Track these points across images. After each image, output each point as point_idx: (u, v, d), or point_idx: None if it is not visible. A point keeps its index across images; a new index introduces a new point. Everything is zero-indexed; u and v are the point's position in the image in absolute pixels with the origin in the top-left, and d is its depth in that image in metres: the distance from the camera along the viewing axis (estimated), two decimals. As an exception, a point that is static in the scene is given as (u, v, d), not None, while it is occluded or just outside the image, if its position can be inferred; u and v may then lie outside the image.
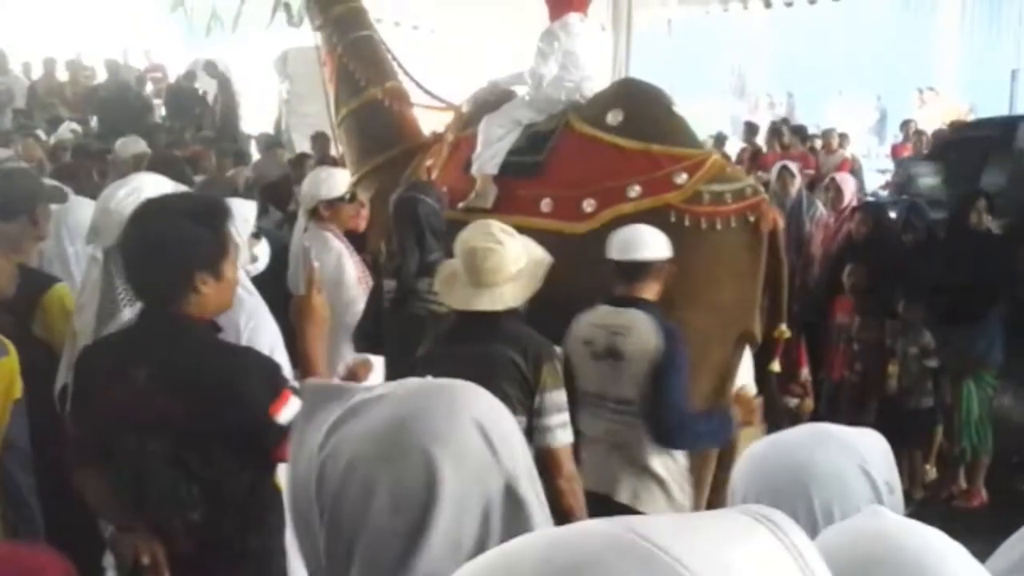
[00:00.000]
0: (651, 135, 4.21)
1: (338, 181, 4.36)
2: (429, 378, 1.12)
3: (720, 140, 10.47)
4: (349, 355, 3.84)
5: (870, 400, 5.50)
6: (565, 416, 2.82)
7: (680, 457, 3.37)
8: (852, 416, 5.17)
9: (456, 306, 2.96)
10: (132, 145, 6.71)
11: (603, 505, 3.14)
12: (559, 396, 2.82)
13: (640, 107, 4.36)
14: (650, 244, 3.42)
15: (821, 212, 6.40)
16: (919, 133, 10.81)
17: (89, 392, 2.24)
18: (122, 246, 2.29)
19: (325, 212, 4.28)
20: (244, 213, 3.04)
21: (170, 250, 2.19)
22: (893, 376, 5.38)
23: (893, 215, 6.67)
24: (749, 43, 14.45)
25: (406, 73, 5.69)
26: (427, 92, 5.67)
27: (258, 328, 2.78)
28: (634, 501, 3.27)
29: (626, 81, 4.80)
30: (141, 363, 2.15)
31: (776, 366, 4.15)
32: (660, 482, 3.30)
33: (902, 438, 5.50)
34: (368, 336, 3.86)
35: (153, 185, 2.78)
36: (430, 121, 5.61)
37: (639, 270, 3.39)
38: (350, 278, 4.15)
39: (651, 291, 3.41)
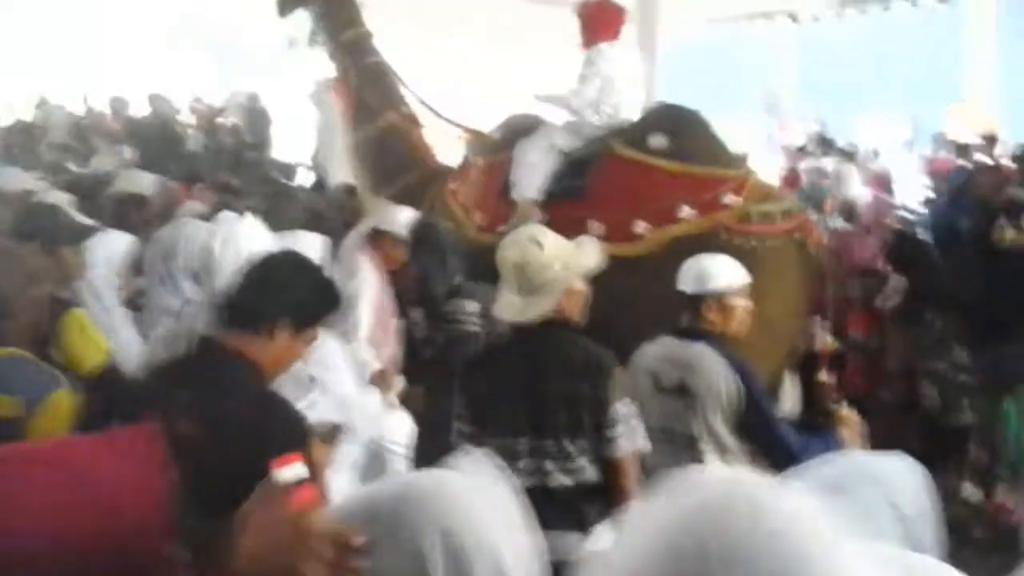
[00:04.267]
0: (694, 157, 4.32)
1: (399, 218, 4.30)
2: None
3: (744, 160, 10.41)
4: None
5: (905, 417, 5.46)
6: (629, 425, 2.79)
7: None
8: (887, 434, 5.12)
9: (502, 316, 2.91)
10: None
11: None
12: (622, 407, 2.78)
13: (681, 130, 4.46)
14: (717, 276, 3.29)
15: (843, 227, 6.35)
16: (960, 146, 10.74)
17: (134, 407, 2.28)
18: (243, 274, 2.36)
19: (374, 240, 4.25)
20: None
21: (272, 291, 2.26)
22: (927, 394, 5.36)
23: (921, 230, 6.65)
24: (777, 59, 14.45)
25: (422, 101, 5.77)
26: (444, 119, 5.75)
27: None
28: None
29: (664, 106, 4.88)
30: (183, 387, 2.18)
31: (825, 376, 4.19)
32: None
33: (938, 456, 5.49)
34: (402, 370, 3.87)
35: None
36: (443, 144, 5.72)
37: (705, 301, 3.27)
38: (361, 305, 4.04)
39: (717, 322, 3.29)
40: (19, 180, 6.08)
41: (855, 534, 1.20)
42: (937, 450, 5.48)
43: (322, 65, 6.43)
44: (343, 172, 7.69)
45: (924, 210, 9.79)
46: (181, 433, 2.05)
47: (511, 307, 2.84)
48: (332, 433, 2.48)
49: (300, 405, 2.66)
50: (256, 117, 11.94)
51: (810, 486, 1.30)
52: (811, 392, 4.31)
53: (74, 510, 1.51)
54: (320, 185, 7.85)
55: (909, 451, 4.33)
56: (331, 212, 6.42)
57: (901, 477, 1.36)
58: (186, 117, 12.11)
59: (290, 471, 2.02)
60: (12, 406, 2.55)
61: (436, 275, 3.82)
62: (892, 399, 5.47)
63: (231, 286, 2.33)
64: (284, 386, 2.60)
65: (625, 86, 4.78)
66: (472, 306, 3.96)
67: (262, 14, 9.42)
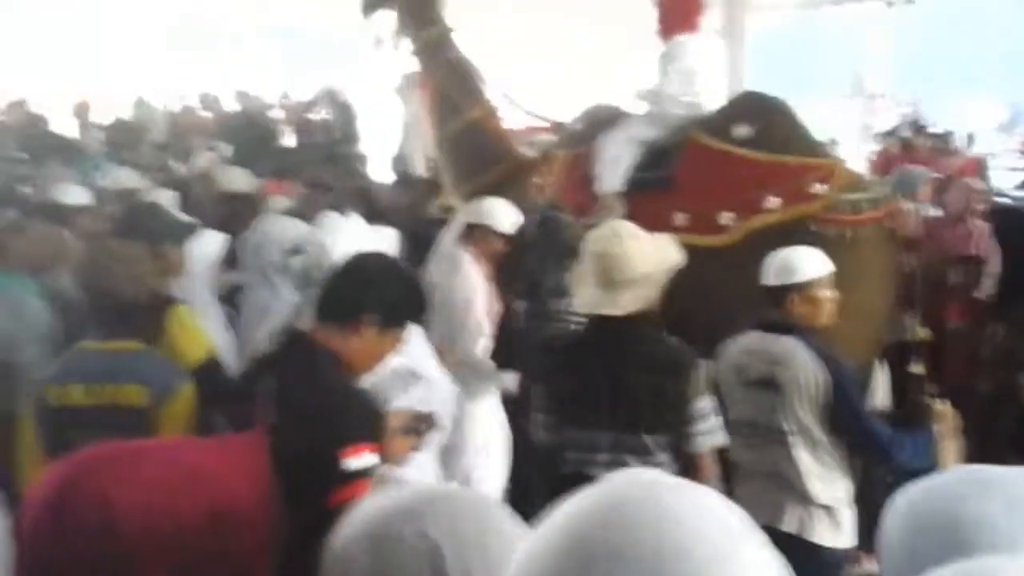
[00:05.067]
0: (780, 146, 4.28)
1: (498, 212, 4.28)
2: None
3: (830, 148, 10.13)
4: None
5: (1003, 410, 5.29)
6: (709, 421, 2.81)
7: (844, 483, 3.28)
8: (985, 428, 4.98)
9: (585, 309, 2.94)
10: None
11: (769, 536, 3.13)
12: (701, 403, 2.80)
13: (766, 119, 4.42)
14: (802, 267, 3.26)
15: (935, 214, 6.16)
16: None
17: (228, 400, 2.38)
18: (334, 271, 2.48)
19: (481, 240, 4.21)
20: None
21: (359, 287, 2.35)
22: (1020, 384, 5.19)
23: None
24: (868, 42, 14.10)
25: (505, 96, 5.83)
26: (529, 112, 5.81)
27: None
28: (801, 530, 3.20)
29: (748, 94, 4.83)
30: (271, 379, 2.28)
31: (919, 368, 4.13)
32: (826, 509, 3.22)
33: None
34: (501, 361, 3.91)
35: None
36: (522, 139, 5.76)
37: (791, 292, 3.24)
38: (477, 308, 4.09)
39: (804, 314, 3.26)
40: (125, 179, 6.36)
41: None
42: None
43: (392, 59, 6.54)
44: (424, 167, 7.82)
45: (1021, 194, 9.49)
46: (266, 423, 2.16)
47: (593, 300, 2.86)
48: (420, 423, 2.54)
49: (404, 400, 2.75)
50: (343, 111, 12.15)
51: (932, 498, 1.22)
52: (903, 383, 4.26)
53: (182, 507, 1.56)
54: (403, 180, 7.97)
55: (1006, 444, 4.28)
56: (416, 207, 6.54)
57: None
58: (276, 113, 12.41)
59: (359, 461, 2.11)
60: (142, 396, 2.71)
61: (549, 271, 3.83)
62: (989, 390, 5.32)
63: (323, 282, 2.43)
64: (387, 381, 2.70)
65: (707, 77, 4.75)
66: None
67: (335, 10, 9.63)
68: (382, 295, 2.35)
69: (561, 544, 0.83)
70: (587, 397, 2.81)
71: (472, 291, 4.05)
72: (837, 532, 3.23)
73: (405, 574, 1.12)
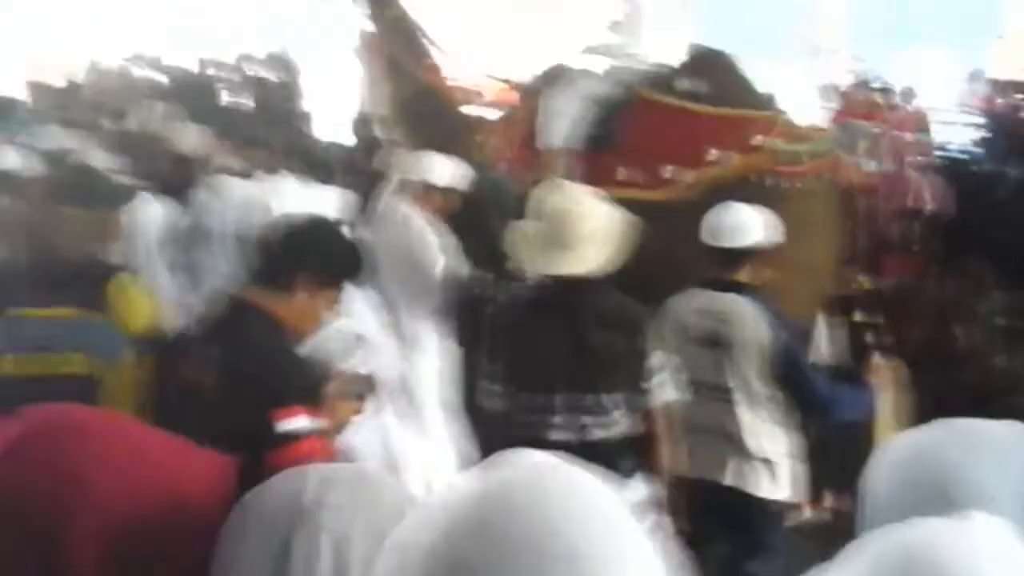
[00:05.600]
0: (724, 100, 4.29)
1: (443, 170, 4.22)
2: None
3: (772, 101, 10.08)
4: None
5: (943, 360, 5.37)
6: (663, 377, 2.82)
7: (785, 437, 3.32)
8: (921, 376, 5.03)
9: (539, 270, 2.89)
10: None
11: (710, 490, 3.17)
12: (656, 360, 2.80)
13: (711, 72, 4.42)
14: (752, 230, 3.27)
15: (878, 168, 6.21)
16: (1001, 84, 10.48)
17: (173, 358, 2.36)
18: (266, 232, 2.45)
19: (421, 194, 4.16)
20: None
21: (291, 247, 2.33)
22: (962, 336, 5.28)
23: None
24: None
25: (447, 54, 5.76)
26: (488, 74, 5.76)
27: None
28: (738, 482, 3.24)
29: (694, 48, 4.82)
30: (212, 339, 2.29)
31: (859, 316, 4.18)
32: (765, 463, 3.25)
33: (983, 401, 5.42)
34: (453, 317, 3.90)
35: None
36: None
37: (739, 254, 3.26)
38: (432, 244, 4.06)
39: (750, 274, 3.27)
40: (58, 139, 6.17)
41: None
42: (977, 395, 5.43)
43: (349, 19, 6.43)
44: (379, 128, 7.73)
45: (971, 150, 9.61)
46: (201, 386, 2.15)
47: (548, 260, 2.80)
48: (362, 386, 2.53)
49: (351, 363, 2.74)
50: (286, 69, 11.98)
51: (923, 456, 1.23)
52: (848, 335, 4.31)
53: (144, 496, 1.50)
54: (364, 142, 7.88)
55: (946, 396, 4.33)
56: (370, 167, 6.46)
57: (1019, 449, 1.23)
58: (220, 72, 12.17)
59: (293, 423, 2.10)
60: (84, 364, 2.62)
61: (492, 231, 3.78)
62: (930, 342, 5.40)
63: (257, 244, 2.41)
64: (332, 343, 2.68)
65: (653, 32, 4.73)
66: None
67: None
68: (316, 256, 2.34)
69: (435, 541, 0.81)
70: (542, 359, 2.78)
71: (429, 245, 4.02)
72: (775, 485, 3.27)
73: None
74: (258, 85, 11.76)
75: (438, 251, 4.04)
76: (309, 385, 2.26)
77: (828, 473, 4.32)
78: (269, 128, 8.24)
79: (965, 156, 8.39)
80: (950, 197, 5.56)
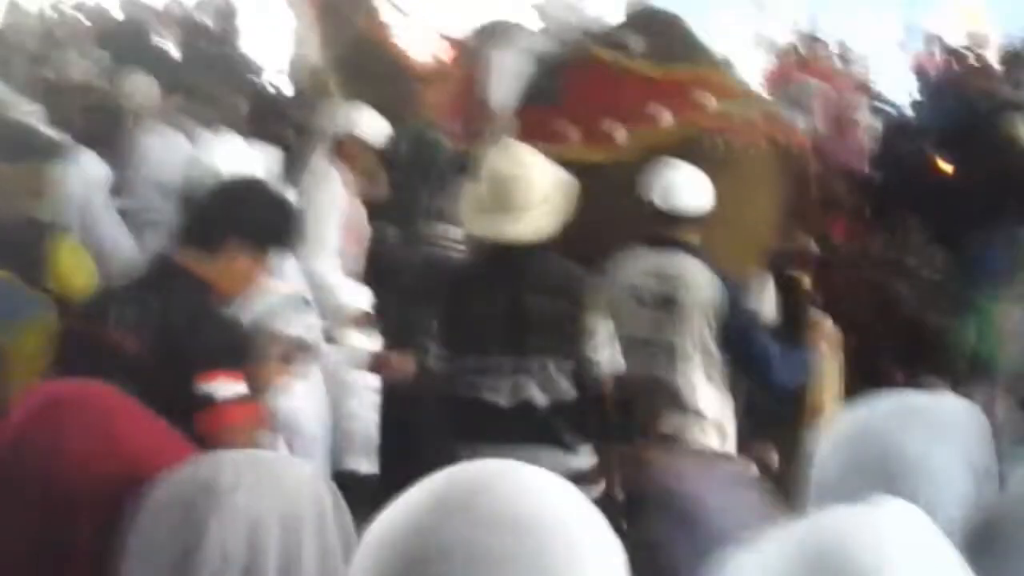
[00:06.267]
0: (672, 59, 4.29)
1: (369, 123, 4.09)
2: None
3: (728, 64, 10.06)
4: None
5: (883, 320, 5.47)
6: (608, 345, 2.82)
7: (730, 397, 3.37)
8: (865, 335, 5.11)
9: (483, 234, 2.88)
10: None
11: None
12: (601, 327, 2.80)
13: (659, 31, 4.42)
14: (700, 194, 3.29)
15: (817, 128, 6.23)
16: (949, 47, 10.59)
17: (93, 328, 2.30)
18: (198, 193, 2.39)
19: (348, 150, 4.05)
20: None
21: (223, 209, 2.30)
22: (906, 295, 5.38)
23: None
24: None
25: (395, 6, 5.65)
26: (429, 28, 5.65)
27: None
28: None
29: (642, 7, 4.80)
30: (136, 301, 2.24)
31: (807, 281, 4.24)
32: (716, 426, 3.30)
33: (916, 357, 5.55)
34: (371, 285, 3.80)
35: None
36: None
37: (686, 214, 3.28)
38: (326, 219, 3.88)
39: (697, 234, 3.30)
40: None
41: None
42: (915, 352, 5.56)
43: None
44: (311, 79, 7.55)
45: (908, 111, 9.74)
46: (124, 350, 2.09)
47: (494, 225, 2.79)
48: (299, 351, 2.49)
49: (298, 328, 2.69)
50: (224, 13, 11.63)
51: (869, 433, 1.24)
52: (789, 295, 4.35)
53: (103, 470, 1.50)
54: (301, 93, 7.70)
55: (886, 353, 4.45)
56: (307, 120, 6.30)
57: (968, 423, 1.25)
58: (160, 21, 11.80)
59: (217, 386, 2.07)
60: None
61: (420, 193, 3.71)
62: (870, 301, 5.49)
63: (187, 205, 2.35)
64: (277, 307, 2.63)
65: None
66: (456, 231, 3.83)
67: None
68: (249, 218, 2.31)
69: (399, 536, 0.82)
70: (488, 323, 2.78)
71: (328, 202, 3.87)
72: (724, 447, 3.31)
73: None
74: (202, 33, 11.40)
75: (333, 208, 3.89)
76: (235, 348, 2.24)
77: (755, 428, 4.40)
78: (210, 77, 8.02)
79: (900, 114, 8.53)
80: (885, 156, 5.66)
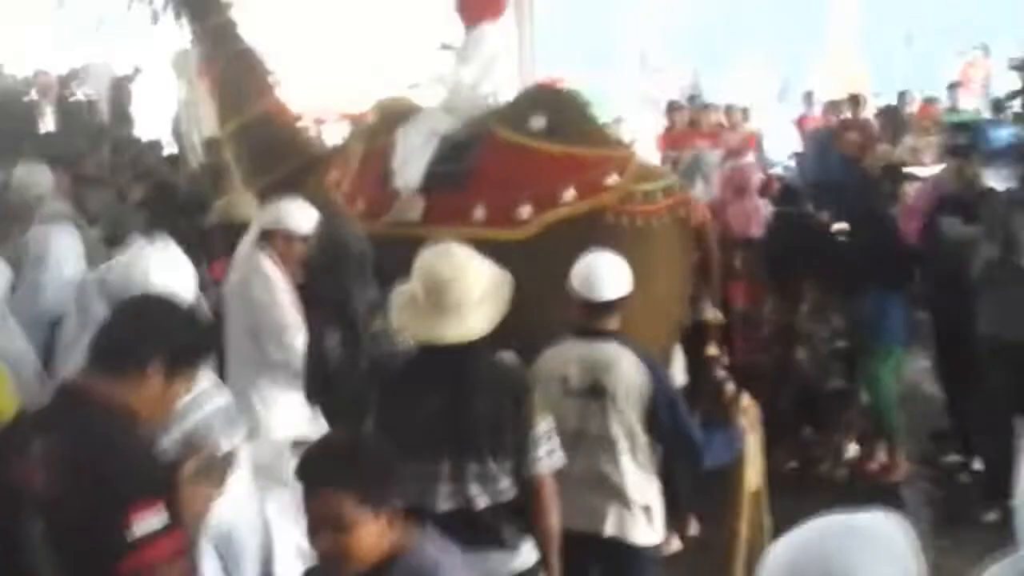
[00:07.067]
0: (575, 138, 4.34)
1: (305, 218, 3.90)
2: None
3: (619, 122, 10.17)
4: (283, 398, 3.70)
5: (783, 384, 5.59)
6: (549, 442, 2.77)
7: (657, 481, 3.35)
8: (766, 400, 5.18)
9: (419, 337, 2.81)
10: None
11: (588, 543, 3.15)
12: (542, 425, 2.75)
13: (560, 111, 4.46)
14: (619, 281, 3.29)
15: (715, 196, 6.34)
16: (829, 103, 11.03)
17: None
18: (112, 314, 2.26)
19: (280, 244, 3.83)
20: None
21: (141, 332, 2.18)
22: (804, 360, 5.52)
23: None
24: (652, 17, 14.60)
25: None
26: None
27: None
28: (620, 532, 3.24)
29: (542, 87, 4.88)
30: (44, 435, 2.09)
31: (714, 350, 4.29)
32: (644, 509, 3.27)
33: (817, 420, 5.70)
34: (317, 391, 3.66)
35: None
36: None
37: (609, 303, 3.26)
38: (281, 302, 3.74)
39: (618, 321, 3.30)
40: None
41: None
42: (811, 415, 5.72)
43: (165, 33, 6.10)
44: (203, 150, 7.38)
45: (791, 164, 10.11)
46: (36, 487, 1.94)
47: (429, 328, 2.73)
48: (220, 464, 2.36)
49: (236, 440, 2.54)
50: (115, 87, 11.29)
51: (811, 558, 1.27)
52: (699, 365, 4.40)
53: None
54: (178, 159, 7.51)
55: (784, 416, 4.58)
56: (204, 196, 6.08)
57: (902, 539, 1.31)
58: (35, 91, 11.33)
59: (145, 523, 1.95)
60: None
61: (358, 291, 3.58)
62: (772, 366, 5.60)
63: (100, 327, 2.22)
64: (211, 421, 2.48)
65: (503, 67, 4.71)
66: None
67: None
68: (166, 338, 2.19)
69: None
70: (426, 427, 2.69)
71: (274, 289, 3.71)
72: (652, 530, 3.31)
73: None
74: (81, 106, 10.98)
75: (281, 293, 3.73)
76: (152, 480, 2.10)
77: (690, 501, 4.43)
78: (96, 155, 7.74)
79: (789, 176, 8.83)
80: (779, 222, 5.82)
